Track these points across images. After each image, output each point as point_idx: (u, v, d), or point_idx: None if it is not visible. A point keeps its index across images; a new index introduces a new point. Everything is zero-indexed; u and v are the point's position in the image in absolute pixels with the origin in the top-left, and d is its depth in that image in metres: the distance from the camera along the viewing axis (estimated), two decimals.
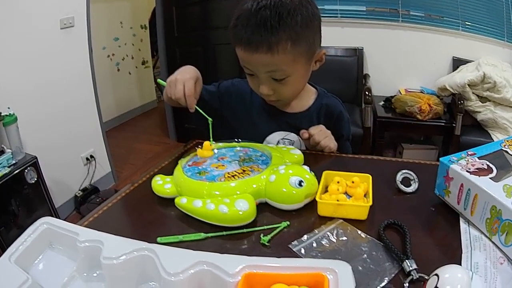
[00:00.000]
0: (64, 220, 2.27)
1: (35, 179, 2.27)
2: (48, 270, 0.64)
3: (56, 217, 2.37)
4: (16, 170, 2.14)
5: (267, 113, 1.15)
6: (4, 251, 1.93)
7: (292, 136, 1.13)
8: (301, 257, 0.63)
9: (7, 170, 2.09)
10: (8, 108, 2.16)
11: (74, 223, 0.68)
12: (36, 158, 2.27)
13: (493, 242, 0.64)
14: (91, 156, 3.02)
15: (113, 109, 4.59)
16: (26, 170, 2.20)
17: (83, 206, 2.77)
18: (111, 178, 3.28)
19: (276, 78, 0.97)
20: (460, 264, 0.60)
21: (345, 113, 1.20)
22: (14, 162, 2.17)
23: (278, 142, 1.14)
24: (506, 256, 0.60)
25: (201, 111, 0.94)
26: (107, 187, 3.18)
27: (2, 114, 2.14)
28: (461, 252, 0.63)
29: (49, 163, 2.50)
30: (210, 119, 0.94)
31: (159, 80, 1.02)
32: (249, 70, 1.00)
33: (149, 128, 4.59)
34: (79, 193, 2.86)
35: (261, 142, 1.09)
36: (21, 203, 2.21)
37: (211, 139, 0.94)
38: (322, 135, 1.05)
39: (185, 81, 0.94)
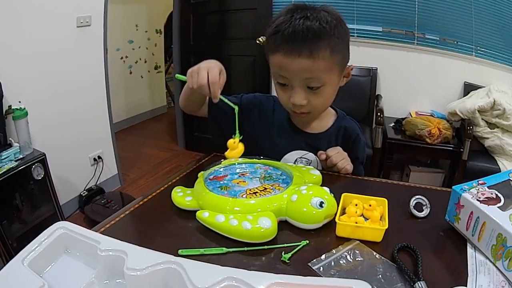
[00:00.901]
0: (67, 218, 2.27)
1: (42, 175, 2.27)
2: (63, 275, 0.64)
3: (60, 215, 2.37)
4: (23, 165, 2.14)
5: (287, 131, 1.16)
6: (4, 244, 1.92)
7: (310, 155, 1.14)
8: (320, 275, 0.65)
9: (14, 164, 2.09)
10: (19, 102, 2.16)
11: (78, 223, 0.69)
12: (45, 154, 2.27)
13: (496, 267, 0.67)
14: (99, 157, 3.02)
15: (123, 111, 4.61)
16: (33, 166, 2.20)
17: (87, 206, 2.76)
18: (117, 180, 3.28)
19: (312, 86, 0.99)
20: (466, 287, 0.62)
21: (362, 137, 1.22)
22: (21, 156, 2.17)
23: (296, 161, 1.14)
24: (508, 280, 0.63)
25: (226, 100, 0.92)
26: (113, 189, 3.19)
27: (12, 107, 2.14)
28: (467, 275, 0.65)
29: (56, 160, 2.50)
30: (235, 107, 0.92)
31: (177, 75, 0.96)
32: (284, 78, 1.00)
33: (158, 133, 4.60)
34: (84, 193, 2.85)
35: (279, 159, 1.10)
36: (25, 198, 2.21)
37: (237, 131, 0.92)
38: (339, 157, 1.07)
39: (209, 68, 0.90)
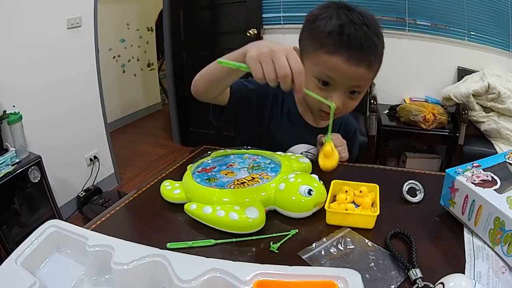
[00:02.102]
0: (66, 220, 2.28)
1: (39, 178, 2.26)
2: (55, 273, 0.64)
3: (59, 217, 2.37)
4: (20, 168, 2.13)
5: (295, 124, 1.15)
6: (5, 249, 1.92)
7: (315, 150, 1.14)
8: (310, 265, 0.64)
9: (10, 168, 2.09)
10: (13, 106, 2.16)
11: (77, 224, 0.69)
12: (40, 157, 2.26)
13: (495, 252, 0.65)
14: (95, 157, 3.01)
15: (118, 110, 4.60)
16: (30, 169, 2.19)
17: (86, 206, 2.76)
18: (114, 179, 3.27)
19: (354, 91, 0.98)
20: (464, 273, 0.61)
21: (358, 134, 1.23)
22: (18, 160, 2.16)
23: (301, 154, 1.13)
24: (508, 265, 0.62)
25: (316, 95, 0.81)
26: (110, 188, 3.18)
27: (6, 112, 2.14)
28: (465, 261, 0.64)
29: (52, 162, 2.50)
30: (332, 104, 0.84)
31: (220, 60, 0.73)
32: (331, 79, 0.94)
33: (153, 130, 4.59)
34: (82, 194, 2.84)
35: (284, 151, 1.09)
36: (24, 202, 2.20)
37: (330, 134, 0.81)
38: (338, 143, 1.06)
39: (287, 51, 0.68)
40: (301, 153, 1.14)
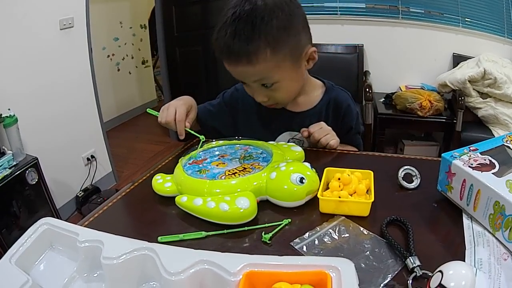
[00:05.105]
0: (66, 220, 2.27)
1: (36, 180, 2.26)
2: (49, 271, 0.64)
3: (58, 218, 2.37)
4: (17, 171, 2.13)
5: (276, 114, 1.13)
6: (5, 252, 1.92)
7: (301, 135, 1.11)
8: (303, 255, 0.63)
9: (8, 171, 2.08)
10: (9, 109, 2.15)
11: (75, 224, 0.68)
12: (37, 159, 2.26)
13: (496, 238, 0.63)
14: (92, 156, 3.01)
15: (114, 109, 4.59)
16: (27, 171, 2.19)
17: (85, 206, 2.77)
18: (112, 178, 3.28)
19: (265, 85, 0.97)
20: (464, 260, 0.59)
21: (354, 106, 1.17)
22: (15, 163, 2.16)
23: (288, 142, 1.12)
24: (510, 252, 0.60)
25: (192, 132, 0.99)
26: (108, 187, 3.18)
27: (2, 116, 2.13)
28: (465, 248, 0.62)
29: (50, 164, 2.50)
30: (201, 136, 0.97)
31: (148, 110, 1.12)
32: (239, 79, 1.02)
33: (150, 127, 4.56)
34: (80, 194, 2.85)
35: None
36: (22, 204, 2.20)
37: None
38: (322, 133, 1.03)
39: (177, 106, 0.99)
40: (288, 141, 1.12)
